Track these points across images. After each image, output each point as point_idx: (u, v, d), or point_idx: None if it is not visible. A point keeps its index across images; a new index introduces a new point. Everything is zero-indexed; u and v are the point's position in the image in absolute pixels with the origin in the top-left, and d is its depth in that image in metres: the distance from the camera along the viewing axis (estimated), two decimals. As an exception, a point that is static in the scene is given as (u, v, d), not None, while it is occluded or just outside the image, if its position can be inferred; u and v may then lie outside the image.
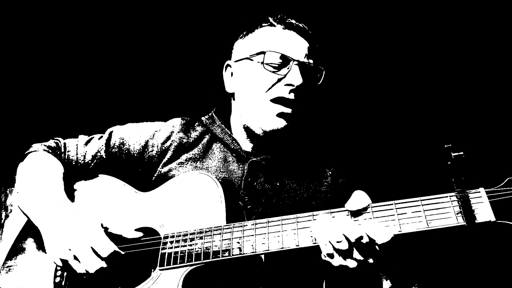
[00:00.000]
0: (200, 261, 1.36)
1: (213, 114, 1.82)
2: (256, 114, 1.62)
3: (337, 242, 1.19)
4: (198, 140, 1.75)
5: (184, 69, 2.09)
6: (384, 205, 1.26)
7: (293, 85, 1.57)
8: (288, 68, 1.59)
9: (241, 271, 1.44)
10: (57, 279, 1.50)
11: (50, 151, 1.73)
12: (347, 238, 1.19)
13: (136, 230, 1.54)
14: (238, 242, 1.35)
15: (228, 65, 1.77)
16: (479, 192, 1.20)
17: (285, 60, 1.60)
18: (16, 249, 1.63)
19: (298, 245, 1.29)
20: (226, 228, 1.39)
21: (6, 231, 1.62)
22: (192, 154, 1.71)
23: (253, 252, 1.32)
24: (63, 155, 1.75)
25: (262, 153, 1.69)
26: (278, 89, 1.59)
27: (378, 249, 1.20)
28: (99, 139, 1.78)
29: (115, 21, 2.19)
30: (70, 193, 1.70)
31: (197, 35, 1.70)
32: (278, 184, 1.64)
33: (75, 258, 1.38)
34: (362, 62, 2.20)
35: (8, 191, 1.93)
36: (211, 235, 1.39)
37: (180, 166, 1.68)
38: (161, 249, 1.43)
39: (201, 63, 1.88)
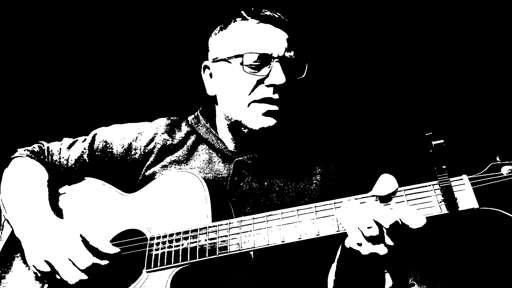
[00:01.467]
0: (187, 262, 1.36)
1: (199, 114, 1.79)
2: (242, 117, 1.57)
3: (368, 228, 1.13)
4: (183, 142, 1.73)
5: (172, 67, 2.06)
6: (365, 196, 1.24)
7: (276, 85, 1.52)
8: (269, 67, 1.53)
9: (230, 268, 1.44)
10: (46, 286, 1.49)
11: (33, 156, 1.71)
12: (378, 224, 1.12)
13: (122, 233, 1.53)
14: (224, 241, 1.34)
15: (206, 66, 1.71)
16: (462, 179, 1.19)
17: (265, 59, 1.53)
18: (4, 258, 1.62)
19: (283, 241, 1.29)
20: (212, 227, 1.38)
21: (6, 231, 1.60)
22: (176, 156, 1.68)
23: (238, 250, 1.31)
24: (46, 159, 1.73)
25: (249, 152, 1.66)
26: (261, 90, 1.54)
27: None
28: (82, 142, 1.75)
29: (105, 23, 2.16)
30: (55, 198, 1.68)
31: (183, 32, 1.67)
32: (265, 183, 1.62)
33: (54, 269, 1.36)
34: (350, 58, 2.18)
35: None
36: (196, 235, 1.38)
37: (163, 169, 1.66)
38: (147, 251, 1.42)
39: (189, 60, 1.83)
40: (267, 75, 1.53)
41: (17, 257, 1.56)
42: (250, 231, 1.33)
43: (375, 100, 2.14)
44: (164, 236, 1.42)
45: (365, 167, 1.82)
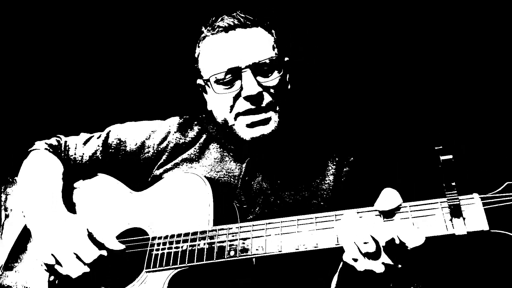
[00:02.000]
0: (184, 265, 1.35)
1: (212, 113, 1.79)
2: (234, 129, 1.57)
3: (364, 243, 1.07)
4: (195, 140, 1.73)
5: (184, 66, 2.06)
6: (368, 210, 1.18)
7: (251, 95, 1.48)
8: (240, 79, 1.49)
9: (230, 272, 1.41)
10: (51, 278, 1.53)
11: (51, 150, 1.76)
12: (375, 240, 1.07)
13: (126, 230, 1.54)
14: (222, 246, 1.32)
15: (199, 84, 1.70)
16: (472, 198, 1.10)
17: (233, 72, 1.50)
18: (18, 249, 1.68)
19: (280, 251, 1.25)
20: (211, 231, 1.36)
21: (6, 230, 1.66)
22: (188, 154, 1.68)
23: (235, 256, 1.29)
24: (63, 154, 1.77)
25: (260, 151, 1.63)
26: (240, 105, 1.52)
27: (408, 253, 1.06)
28: (97, 138, 1.78)
29: (115, 20, 2.20)
30: (70, 192, 1.73)
31: (195, 31, 1.66)
32: (277, 182, 1.59)
33: (59, 263, 1.39)
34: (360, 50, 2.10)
35: (8, 191, 1.98)
36: (196, 238, 1.37)
37: (175, 167, 1.67)
38: (148, 251, 1.42)
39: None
40: (241, 88, 1.49)
41: (29, 245, 1.62)
42: (249, 238, 1.30)
43: (389, 97, 2.04)
44: (166, 237, 1.42)
45: (379, 168, 1.73)
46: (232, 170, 1.62)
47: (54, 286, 1.52)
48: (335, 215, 1.23)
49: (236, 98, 1.53)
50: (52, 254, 1.39)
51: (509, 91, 1.79)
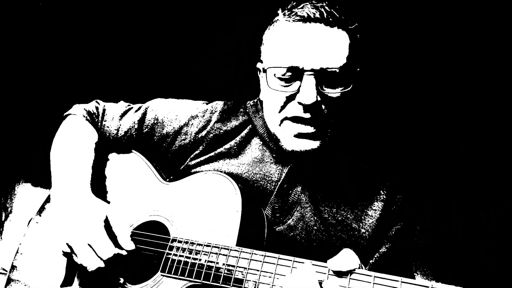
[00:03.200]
0: (200, 281, 1.26)
1: (258, 101, 1.61)
2: (277, 133, 1.42)
3: None
4: (237, 131, 1.57)
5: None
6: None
7: (304, 104, 1.29)
8: (300, 81, 1.30)
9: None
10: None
11: (88, 117, 1.67)
12: None
13: (148, 222, 1.46)
14: (242, 273, 1.21)
15: (258, 69, 1.52)
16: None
17: (295, 72, 1.30)
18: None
19: None
20: (234, 251, 1.25)
21: (6, 231, 1.64)
22: (227, 148, 1.54)
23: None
24: (99, 124, 1.68)
25: (307, 158, 1.44)
26: (291, 108, 1.34)
27: None
28: (135, 112, 1.67)
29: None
30: (103, 164, 1.66)
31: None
32: (318, 196, 1.43)
33: (75, 253, 1.34)
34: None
35: (8, 191, 1.97)
36: (217, 254, 1.26)
37: (212, 161, 1.54)
38: (166, 253, 1.34)
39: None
40: (298, 91, 1.31)
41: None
42: (272, 272, 1.18)
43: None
44: (186, 242, 1.33)
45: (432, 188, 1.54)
46: (271, 174, 1.47)
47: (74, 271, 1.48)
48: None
49: (289, 99, 1.35)
50: (68, 244, 1.34)
51: None
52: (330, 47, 1.30)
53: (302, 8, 1.32)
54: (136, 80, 2.07)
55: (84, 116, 1.67)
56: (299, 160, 1.45)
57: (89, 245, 1.31)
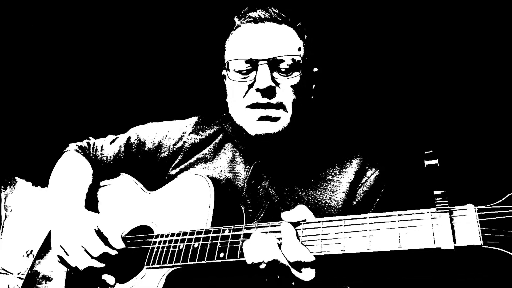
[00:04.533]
0: (179, 263, 1.37)
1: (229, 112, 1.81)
2: (241, 122, 1.56)
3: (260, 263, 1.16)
4: (211, 139, 1.75)
5: (207, 67, 2.11)
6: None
7: (260, 89, 1.46)
8: (256, 71, 1.49)
9: (224, 274, 1.41)
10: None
11: (80, 151, 1.90)
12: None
13: (137, 227, 1.61)
14: (213, 248, 1.32)
15: (224, 75, 1.72)
16: (466, 209, 0.99)
17: (251, 63, 1.50)
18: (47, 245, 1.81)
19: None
20: (206, 232, 1.37)
21: (6, 231, 1.80)
22: (203, 154, 1.71)
23: (224, 258, 1.28)
24: (91, 154, 1.89)
25: (272, 155, 1.61)
26: (251, 95, 1.51)
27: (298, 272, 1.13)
28: (121, 139, 1.89)
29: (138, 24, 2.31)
30: (96, 190, 1.84)
31: (218, 30, 1.70)
32: (284, 190, 1.55)
33: (67, 254, 1.48)
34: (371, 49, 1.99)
35: (8, 191, 2.15)
36: (192, 238, 1.38)
37: (190, 167, 1.70)
38: (150, 248, 1.47)
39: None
40: (254, 79, 1.49)
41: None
42: (239, 241, 1.29)
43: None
44: (166, 235, 1.46)
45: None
46: (240, 172, 1.61)
47: (71, 277, 1.62)
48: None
49: (248, 88, 1.52)
50: (61, 246, 1.48)
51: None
52: (279, 40, 1.51)
53: (253, 11, 1.57)
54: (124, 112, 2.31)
55: (76, 151, 1.89)
56: (266, 152, 1.59)
57: (81, 246, 1.46)
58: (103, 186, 1.86)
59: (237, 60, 1.52)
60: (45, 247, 1.79)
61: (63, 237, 1.51)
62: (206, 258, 1.32)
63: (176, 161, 1.74)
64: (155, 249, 1.45)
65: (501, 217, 0.95)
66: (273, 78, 1.48)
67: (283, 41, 1.51)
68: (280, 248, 1.15)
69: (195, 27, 2.28)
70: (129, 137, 1.85)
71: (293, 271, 1.12)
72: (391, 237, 1.04)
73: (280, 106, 1.50)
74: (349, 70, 2.11)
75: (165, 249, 1.42)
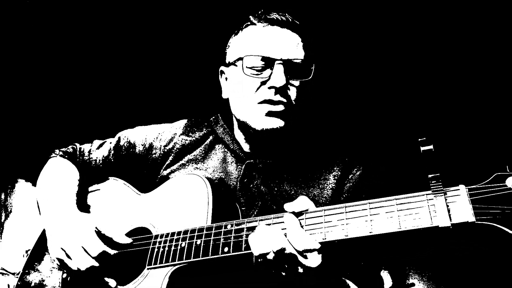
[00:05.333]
0: (182, 261, 1.39)
1: (219, 115, 1.84)
2: (247, 117, 1.60)
3: (266, 253, 1.20)
4: (201, 141, 1.78)
5: (195, 71, 2.14)
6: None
7: (276, 87, 1.52)
8: (271, 69, 1.54)
9: (228, 270, 1.44)
10: (64, 275, 1.62)
11: (66, 156, 1.87)
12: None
13: (133, 230, 1.61)
14: (217, 243, 1.36)
15: (222, 71, 1.76)
16: (458, 189, 1.08)
17: (267, 61, 1.55)
18: (38, 251, 1.78)
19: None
20: (208, 229, 1.40)
21: (6, 231, 1.77)
22: (194, 155, 1.74)
23: (228, 252, 1.32)
24: (78, 159, 1.87)
25: (262, 155, 1.67)
26: (263, 92, 1.55)
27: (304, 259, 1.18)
28: (110, 143, 1.88)
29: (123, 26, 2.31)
30: (84, 196, 1.82)
31: (208, 35, 1.72)
32: (275, 188, 1.61)
33: (69, 256, 1.48)
34: (361, 60, 2.10)
35: (8, 191, 2.11)
36: (193, 236, 1.41)
37: (181, 168, 1.72)
38: (150, 249, 1.48)
39: (212, 64, 1.89)
40: (269, 77, 1.54)
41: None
42: (242, 234, 1.33)
43: (384, 102, 2.02)
44: (166, 235, 1.47)
45: (381, 176, 1.72)
46: (233, 172, 1.66)
47: (67, 283, 1.60)
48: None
49: (262, 85, 1.56)
50: (62, 248, 1.48)
51: (497, 85, 1.73)
52: (293, 45, 1.58)
53: (270, 14, 1.62)
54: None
55: (62, 156, 1.87)
56: (259, 152, 1.64)
57: (82, 247, 1.46)
58: (93, 190, 1.84)
59: (253, 57, 1.56)
60: (35, 256, 1.76)
61: (62, 239, 1.50)
62: (210, 253, 1.35)
63: (167, 162, 1.75)
64: (156, 249, 1.46)
65: (490, 194, 1.04)
66: (286, 78, 1.54)
67: (297, 47, 1.59)
68: (286, 238, 1.20)
69: (179, 31, 2.29)
70: (119, 140, 1.85)
71: (300, 258, 1.18)
72: (391, 219, 1.12)
73: (287, 105, 1.55)
74: (335, 73, 2.19)
75: (166, 248, 1.44)
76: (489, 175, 1.08)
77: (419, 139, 1.08)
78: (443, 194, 1.07)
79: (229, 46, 1.72)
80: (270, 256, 1.19)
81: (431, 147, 1.04)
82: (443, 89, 1.85)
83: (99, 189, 1.83)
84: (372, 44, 2.06)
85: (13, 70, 2.40)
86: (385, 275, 1.34)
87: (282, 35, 1.59)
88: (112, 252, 1.49)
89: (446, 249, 1.48)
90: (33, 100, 2.42)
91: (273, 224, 1.28)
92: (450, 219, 1.05)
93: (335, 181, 1.63)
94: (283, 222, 1.25)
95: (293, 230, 1.20)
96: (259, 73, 1.56)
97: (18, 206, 1.96)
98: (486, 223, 1.02)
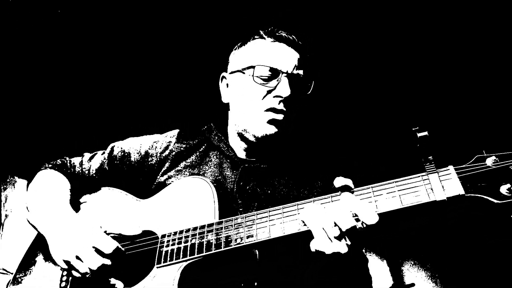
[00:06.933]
0: (194, 256, 1.44)
1: (211, 125, 1.95)
2: (249, 122, 1.72)
3: (331, 228, 1.27)
4: (195, 148, 1.87)
5: (184, 82, 2.23)
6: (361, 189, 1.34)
7: (281, 97, 1.66)
8: (277, 80, 1.68)
9: (235, 267, 1.51)
10: (63, 284, 1.59)
11: (56, 168, 1.86)
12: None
13: (137, 235, 1.63)
14: (229, 235, 1.43)
15: (224, 77, 1.88)
16: (448, 169, 1.27)
17: (274, 73, 1.69)
18: (26, 263, 1.73)
19: (285, 233, 1.37)
20: (218, 224, 1.47)
21: (6, 232, 1.71)
22: (189, 161, 1.82)
23: (240, 243, 1.40)
24: (68, 171, 1.87)
25: (256, 160, 1.79)
26: (268, 100, 1.69)
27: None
28: (102, 154, 1.91)
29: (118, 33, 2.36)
30: (76, 206, 1.81)
31: (197, 46, 1.83)
32: (269, 190, 1.72)
33: (78, 258, 1.47)
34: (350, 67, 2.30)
35: (7, 191, 2.05)
36: (204, 232, 1.47)
37: (178, 174, 1.79)
38: (158, 248, 1.51)
39: (201, 75, 2.01)
40: (275, 87, 1.68)
41: (39, 256, 1.67)
42: (253, 225, 1.42)
43: (370, 102, 2.23)
44: (174, 234, 1.52)
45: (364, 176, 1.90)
46: (229, 176, 1.75)
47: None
48: (297, 205, 1.41)
49: (267, 93, 1.69)
50: (70, 251, 1.47)
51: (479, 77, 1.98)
52: (297, 61, 1.74)
53: (279, 32, 1.77)
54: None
55: (50, 168, 1.86)
56: (254, 156, 1.76)
57: (93, 247, 1.47)
58: (86, 201, 1.83)
59: (263, 67, 1.69)
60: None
61: (68, 242, 1.49)
62: (223, 246, 1.41)
63: (164, 168, 1.81)
64: (165, 248, 1.50)
65: (475, 172, 1.25)
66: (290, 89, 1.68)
67: (299, 64, 1.75)
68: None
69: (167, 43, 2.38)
70: (112, 150, 1.89)
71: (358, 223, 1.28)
72: (394, 198, 1.28)
73: (286, 114, 1.69)
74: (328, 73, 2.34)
75: (176, 246, 1.48)
76: (470, 158, 1.29)
77: (413, 128, 1.27)
78: (436, 173, 1.26)
79: (234, 54, 1.85)
80: (336, 230, 1.27)
81: (426, 133, 1.23)
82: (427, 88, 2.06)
83: (94, 199, 1.83)
84: (365, 46, 2.23)
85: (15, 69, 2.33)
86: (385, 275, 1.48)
87: (288, 51, 1.75)
88: (123, 249, 1.50)
89: (444, 218, 1.66)
90: (34, 99, 2.35)
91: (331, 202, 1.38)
92: (445, 194, 1.23)
93: (321, 184, 1.78)
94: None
95: (360, 205, 1.28)
96: (266, 82, 1.70)
97: (18, 206, 1.89)
98: (474, 195, 1.21)
